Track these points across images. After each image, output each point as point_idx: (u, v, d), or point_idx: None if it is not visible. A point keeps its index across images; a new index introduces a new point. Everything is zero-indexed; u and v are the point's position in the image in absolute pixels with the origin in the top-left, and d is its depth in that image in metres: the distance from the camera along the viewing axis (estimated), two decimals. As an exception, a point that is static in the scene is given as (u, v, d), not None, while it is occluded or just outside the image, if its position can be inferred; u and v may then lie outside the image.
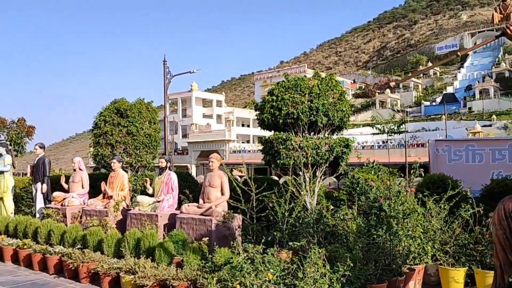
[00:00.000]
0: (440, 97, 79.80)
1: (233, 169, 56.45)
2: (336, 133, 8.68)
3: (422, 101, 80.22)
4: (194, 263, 5.81)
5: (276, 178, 12.19)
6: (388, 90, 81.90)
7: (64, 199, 9.37)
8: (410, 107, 79.55)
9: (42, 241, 7.81)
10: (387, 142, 38.57)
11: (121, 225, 8.29)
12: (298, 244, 6.30)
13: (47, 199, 10.12)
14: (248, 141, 61.53)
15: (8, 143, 12.26)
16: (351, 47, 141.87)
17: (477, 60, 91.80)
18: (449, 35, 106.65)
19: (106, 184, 9.05)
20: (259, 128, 8.94)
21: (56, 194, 9.58)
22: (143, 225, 7.94)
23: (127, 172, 10.75)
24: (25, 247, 7.53)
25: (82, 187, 9.61)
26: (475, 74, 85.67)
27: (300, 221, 6.96)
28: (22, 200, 12.04)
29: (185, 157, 54.15)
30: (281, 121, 8.02)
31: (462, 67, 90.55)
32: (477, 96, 73.13)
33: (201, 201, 7.76)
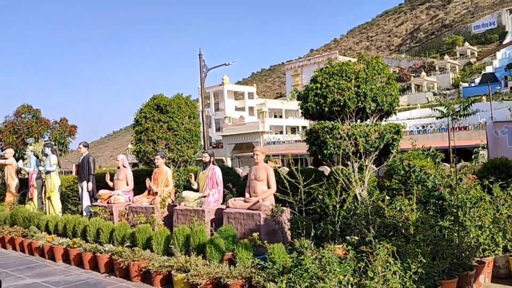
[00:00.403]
0: (479, 78, 76.79)
1: (268, 161, 56.43)
2: (384, 119, 8.29)
3: (461, 83, 77.41)
4: (246, 259, 5.62)
5: (322, 168, 11.85)
6: (423, 73, 79.48)
7: (110, 196, 9.39)
8: (447, 89, 77.00)
9: (92, 239, 7.82)
10: (426, 126, 37.41)
11: (168, 221, 8.22)
12: (356, 238, 6.02)
13: (93, 197, 10.19)
14: (281, 132, 61.12)
15: (53, 143, 12.40)
16: (383, 31, 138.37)
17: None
18: (485, 13, 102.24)
19: (150, 180, 8.99)
20: (302, 117, 8.66)
21: (102, 192, 9.62)
22: (190, 221, 7.83)
23: (169, 167, 10.70)
24: (75, 246, 7.56)
25: (127, 184, 9.61)
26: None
27: (352, 214, 6.66)
28: (68, 198, 12.23)
29: (220, 150, 54.29)
30: (326, 109, 7.69)
31: (501, 45, 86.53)
32: (520, 74, 69.85)
33: (247, 195, 7.57)
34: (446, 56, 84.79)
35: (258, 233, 6.42)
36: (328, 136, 7.57)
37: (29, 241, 8.73)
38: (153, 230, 7.34)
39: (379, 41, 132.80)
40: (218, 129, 67.20)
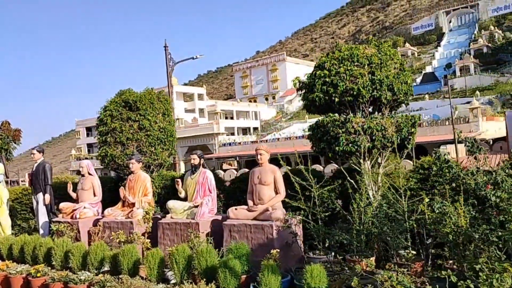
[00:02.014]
0: (420, 77, 79.82)
1: (223, 163, 55.02)
2: (393, 110, 7.42)
3: (403, 82, 79.97)
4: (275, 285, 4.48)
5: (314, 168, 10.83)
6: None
7: (75, 210, 7.86)
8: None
9: (58, 265, 6.32)
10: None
11: (151, 238, 6.85)
12: (413, 252, 5.06)
13: (51, 211, 8.59)
14: (232, 133, 59.99)
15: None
16: (326, 33, 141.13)
17: (453, 38, 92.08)
18: (423, 15, 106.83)
19: (124, 189, 7.59)
20: (305, 111, 7.63)
21: (64, 205, 8.06)
22: (179, 236, 6.55)
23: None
24: (38, 274, 6.04)
25: (94, 195, 8.11)
26: (452, 52, 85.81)
27: (378, 219, 5.69)
28: (17, 213, 10.42)
29: (171, 154, 52.24)
30: (337, 99, 6.69)
31: (439, 46, 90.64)
32: (458, 73, 73.23)
33: (250, 202, 6.40)
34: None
35: (274, 249, 5.30)
36: (340, 131, 6.57)
37: (-27, 270, 7.04)
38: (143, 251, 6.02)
39: (323, 42, 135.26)
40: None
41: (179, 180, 7.03)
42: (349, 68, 6.65)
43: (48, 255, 6.54)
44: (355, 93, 6.57)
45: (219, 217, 6.78)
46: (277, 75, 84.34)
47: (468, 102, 57.44)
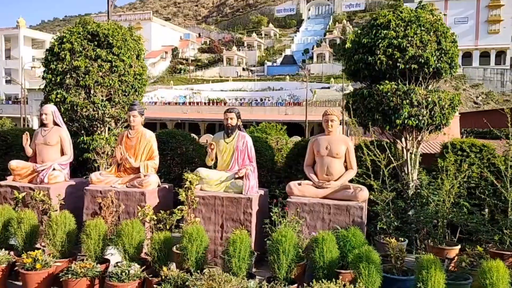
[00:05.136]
0: (281, 59, 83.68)
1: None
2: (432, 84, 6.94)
3: (266, 61, 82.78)
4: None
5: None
6: (234, 48, 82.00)
7: (37, 172, 5.64)
8: (254, 66, 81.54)
9: (57, 249, 4.36)
10: (265, 100, 38.20)
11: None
12: None
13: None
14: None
15: None
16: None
17: (310, 26, 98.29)
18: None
19: (119, 148, 5.67)
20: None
21: (17, 163, 5.76)
22: (218, 214, 5.17)
23: (110, 130, 7.27)
24: (37, 266, 4.04)
25: (62, 153, 5.94)
26: (309, 39, 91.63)
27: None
28: None
29: (18, 107, 44.91)
30: (402, 66, 5.93)
31: (298, 31, 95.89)
32: (315, 60, 78.57)
33: (314, 177, 5.30)
34: (254, 34, 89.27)
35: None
36: (404, 102, 5.85)
37: None
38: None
39: (187, 9, 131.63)
40: (8, 82, 56.10)
41: (213, 143, 5.48)
42: (418, 32, 5.94)
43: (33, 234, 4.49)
44: (422, 61, 5.90)
45: (263, 192, 5.52)
46: (141, 34, 78.63)
47: (324, 88, 62.17)
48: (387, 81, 6.04)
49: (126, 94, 7.12)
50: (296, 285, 3.83)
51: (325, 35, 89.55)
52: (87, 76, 6.75)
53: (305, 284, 3.62)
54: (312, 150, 5.41)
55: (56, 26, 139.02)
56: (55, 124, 5.97)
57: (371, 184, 5.29)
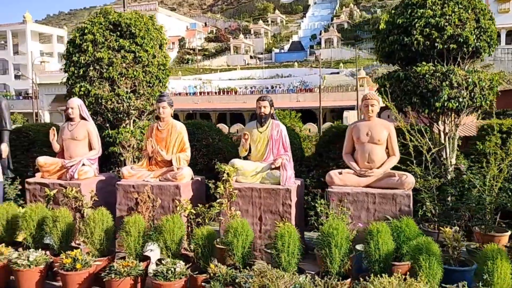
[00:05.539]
0: (288, 45, 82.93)
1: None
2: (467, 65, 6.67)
3: (273, 48, 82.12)
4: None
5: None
6: (241, 36, 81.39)
7: (66, 168, 5.50)
8: (261, 53, 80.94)
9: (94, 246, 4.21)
10: (276, 87, 37.87)
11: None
12: None
13: (8, 168, 5.97)
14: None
15: None
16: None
17: (317, 11, 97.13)
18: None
19: (150, 141, 5.50)
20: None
21: (45, 160, 5.61)
22: (256, 206, 4.99)
23: (135, 122, 7.11)
24: (79, 266, 3.90)
25: (91, 148, 5.79)
26: (316, 25, 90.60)
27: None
28: None
29: (28, 102, 45.03)
30: (440, 46, 5.67)
31: (305, 17, 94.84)
32: (323, 45, 77.72)
33: (353, 164, 5.09)
34: (260, 21, 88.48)
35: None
36: (444, 84, 5.60)
37: None
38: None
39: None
40: (17, 77, 56.22)
41: (247, 133, 5.28)
42: (456, 10, 5.66)
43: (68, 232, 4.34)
44: (461, 40, 5.63)
45: (299, 182, 5.33)
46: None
47: (333, 73, 61.40)
48: (424, 63, 5.79)
49: (151, 85, 6.93)
50: (349, 279, 3.64)
51: (332, 20, 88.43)
52: (110, 67, 6.56)
53: (361, 279, 3.44)
54: (351, 136, 5.20)
55: (61, 20, 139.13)
56: (82, 118, 5.81)
57: (414, 170, 5.07)
